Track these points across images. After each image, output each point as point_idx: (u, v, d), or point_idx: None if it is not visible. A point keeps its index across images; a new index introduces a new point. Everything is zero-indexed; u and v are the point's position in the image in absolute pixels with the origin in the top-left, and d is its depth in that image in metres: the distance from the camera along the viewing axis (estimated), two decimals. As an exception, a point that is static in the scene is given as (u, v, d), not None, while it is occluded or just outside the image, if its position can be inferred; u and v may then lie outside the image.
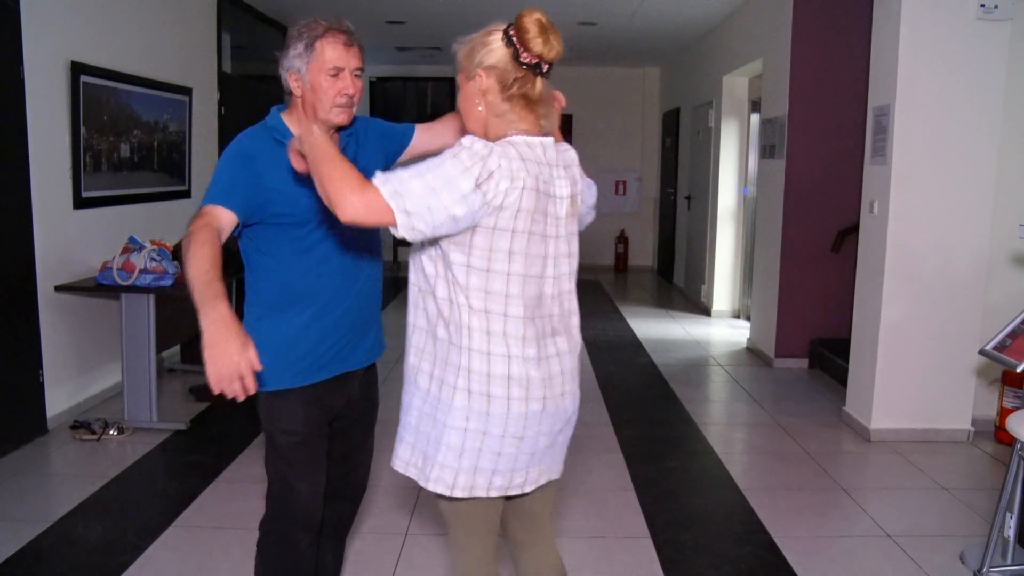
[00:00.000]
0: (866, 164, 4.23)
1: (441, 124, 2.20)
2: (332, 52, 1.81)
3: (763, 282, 5.94)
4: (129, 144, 4.67)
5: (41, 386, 3.92)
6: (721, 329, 6.88)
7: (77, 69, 4.10)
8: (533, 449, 1.70)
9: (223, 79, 6.02)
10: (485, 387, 1.63)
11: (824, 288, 5.52)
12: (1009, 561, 2.71)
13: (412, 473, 1.76)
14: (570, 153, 1.82)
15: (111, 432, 3.88)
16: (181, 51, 5.36)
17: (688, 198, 8.58)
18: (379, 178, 1.51)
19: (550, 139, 1.72)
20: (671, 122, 9.57)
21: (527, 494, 1.79)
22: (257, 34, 7.12)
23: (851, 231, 5.16)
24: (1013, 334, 2.73)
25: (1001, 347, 2.73)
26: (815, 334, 5.56)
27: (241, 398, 1.56)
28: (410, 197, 1.50)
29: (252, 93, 6.90)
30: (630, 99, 10.77)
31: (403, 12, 7.05)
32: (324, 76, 1.81)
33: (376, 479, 3.50)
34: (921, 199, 3.95)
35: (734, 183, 7.24)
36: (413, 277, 1.73)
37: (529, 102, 1.67)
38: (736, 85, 7.12)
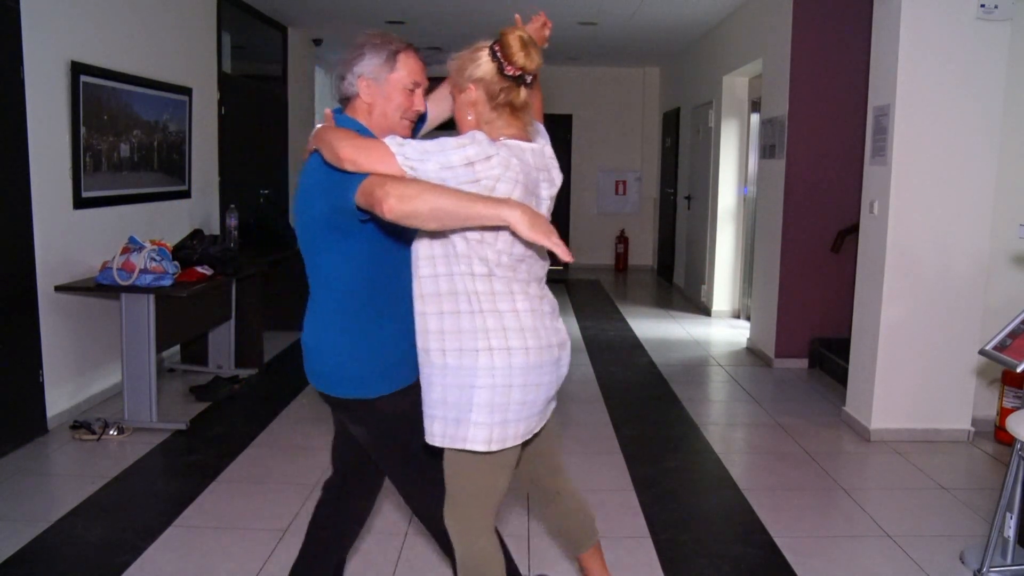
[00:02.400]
0: (866, 164, 4.23)
1: (437, 93, 2.24)
2: (414, 67, 1.97)
3: (763, 282, 5.94)
4: (129, 144, 4.67)
5: (41, 386, 3.92)
6: (721, 329, 6.88)
7: (77, 69, 4.10)
8: (548, 394, 1.92)
9: (223, 79, 6.02)
10: (504, 341, 1.82)
11: (824, 288, 5.52)
12: (1009, 561, 2.71)
13: (447, 443, 1.86)
14: (548, 150, 1.99)
15: (111, 432, 3.88)
16: (181, 51, 5.36)
17: (688, 198, 8.58)
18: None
19: (539, 145, 1.93)
20: (671, 122, 9.57)
21: (537, 435, 1.99)
22: (257, 34, 7.13)
23: (851, 231, 5.16)
24: (1013, 334, 2.73)
25: (1001, 347, 2.72)
26: (815, 334, 5.56)
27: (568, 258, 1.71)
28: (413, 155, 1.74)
29: (252, 93, 6.91)
30: (630, 99, 10.77)
31: (403, 12, 7.05)
32: (401, 89, 1.95)
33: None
34: (921, 199, 3.95)
35: (734, 183, 7.24)
36: (414, 267, 1.88)
37: (515, 110, 1.88)
38: (736, 85, 7.12)
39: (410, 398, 1.95)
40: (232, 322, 5.05)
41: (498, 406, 1.81)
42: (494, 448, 1.82)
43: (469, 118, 1.89)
